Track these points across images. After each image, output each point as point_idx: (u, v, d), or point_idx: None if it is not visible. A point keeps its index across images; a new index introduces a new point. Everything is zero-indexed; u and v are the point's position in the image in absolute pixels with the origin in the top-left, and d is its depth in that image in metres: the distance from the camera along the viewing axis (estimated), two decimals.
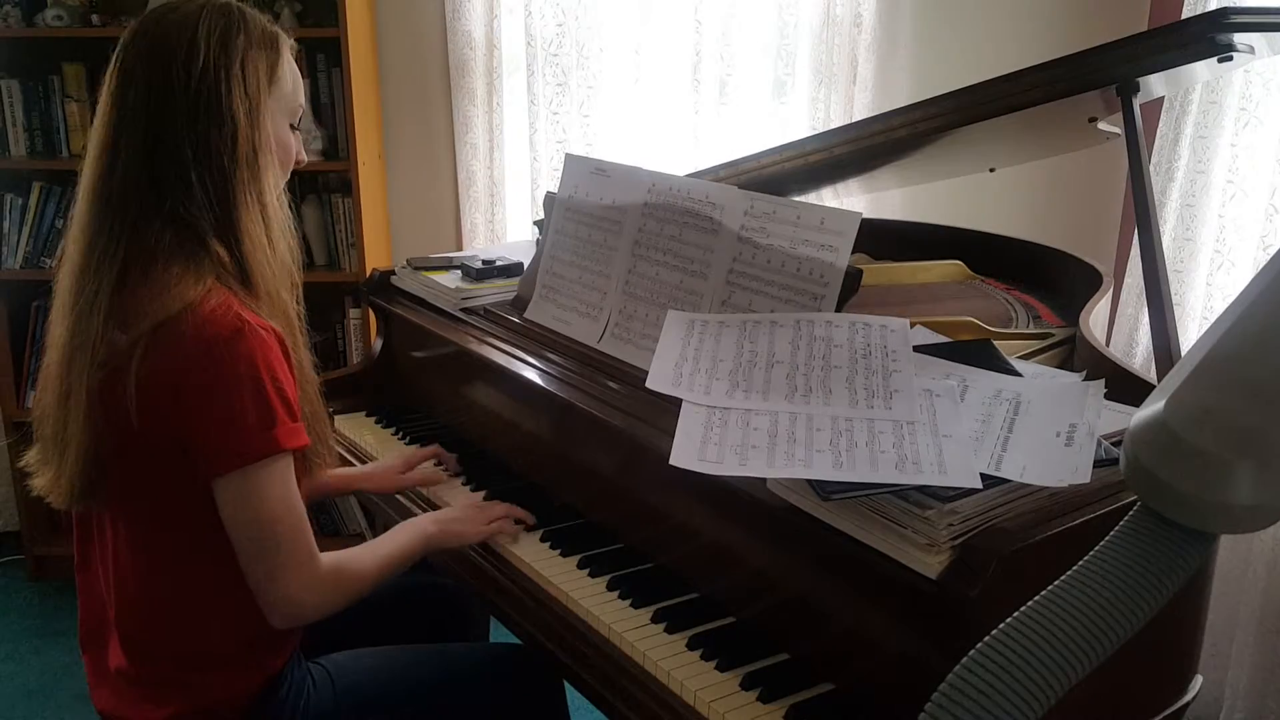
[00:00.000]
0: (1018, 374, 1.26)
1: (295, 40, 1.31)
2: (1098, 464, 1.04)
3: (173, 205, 1.18)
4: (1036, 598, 0.57)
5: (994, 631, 0.56)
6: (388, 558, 1.31)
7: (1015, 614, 0.56)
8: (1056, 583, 0.57)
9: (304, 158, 1.34)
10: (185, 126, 1.17)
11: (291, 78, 1.28)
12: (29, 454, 1.27)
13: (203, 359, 1.12)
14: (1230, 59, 1.29)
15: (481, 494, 1.57)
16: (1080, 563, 0.57)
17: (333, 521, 2.96)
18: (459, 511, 1.44)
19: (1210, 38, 1.25)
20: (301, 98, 1.31)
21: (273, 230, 1.23)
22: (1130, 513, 0.59)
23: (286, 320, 1.23)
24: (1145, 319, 2.28)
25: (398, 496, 1.65)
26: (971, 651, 0.56)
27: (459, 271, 1.90)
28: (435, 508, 1.54)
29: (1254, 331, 0.58)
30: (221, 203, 1.19)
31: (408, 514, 1.57)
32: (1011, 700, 0.53)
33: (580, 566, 1.36)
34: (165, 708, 1.22)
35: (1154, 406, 0.59)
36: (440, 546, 1.39)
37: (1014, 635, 0.55)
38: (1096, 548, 0.58)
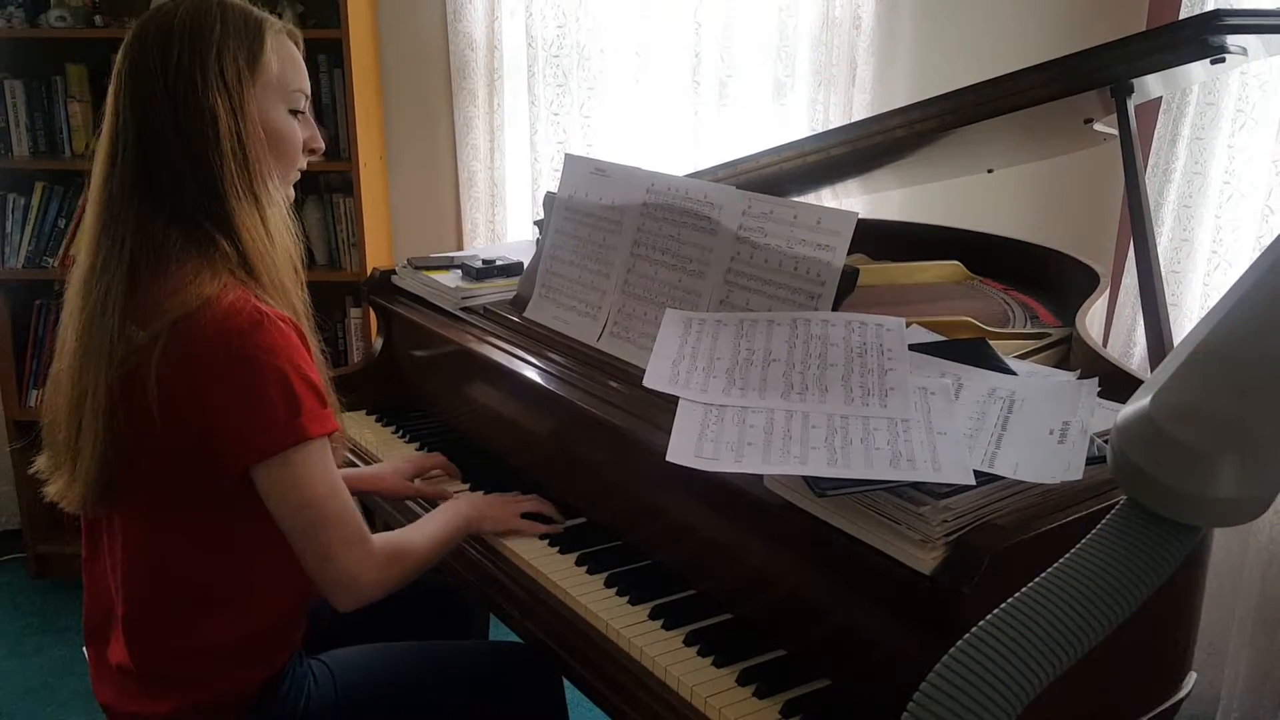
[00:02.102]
0: (1013, 373, 1.27)
1: (294, 27, 1.29)
2: (1090, 461, 1.04)
3: (172, 203, 1.18)
4: (1021, 591, 0.57)
5: (977, 626, 0.57)
6: (437, 536, 1.33)
7: (999, 607, 0.57)
8: (1041, 576, 0.57)
9: (319, 145, 1.31)
10: (170, 124, 1.17)
11: (280, 62, 1.24)
12: (38, 461, 1.27)
13: (224, 352, 1.12)
14: (1223, 60, 1.30)
15: (480, 492, 1.58)
16: (1065, 556, 0.58)
17: None
18: (491, 499, 1.48)
19: (1203, 39, 1.25)
20: (300, 82, 1.27)
21: (269, 222, 1.22)
22: (1116, 506, 0.60)
23: (293, 311, 1.23)
24: (1142, 319, 2.29)
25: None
26: (954, 646, 0.56)
27: (459, 271, 1.91)
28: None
29: (1239, 327, 0.59)
30: (214, 197, 1.18)
31: (410, 513, 1.58)
32: (994, 693, 0.54)
33: (578, 563, 1.37)
34: (167, 702, 1.23)
35: (1140, 401, 0.59)
36: (477, 529, 1.42)
37: (997, 628, 0.56)
38: (1082, 541, 0.59)
